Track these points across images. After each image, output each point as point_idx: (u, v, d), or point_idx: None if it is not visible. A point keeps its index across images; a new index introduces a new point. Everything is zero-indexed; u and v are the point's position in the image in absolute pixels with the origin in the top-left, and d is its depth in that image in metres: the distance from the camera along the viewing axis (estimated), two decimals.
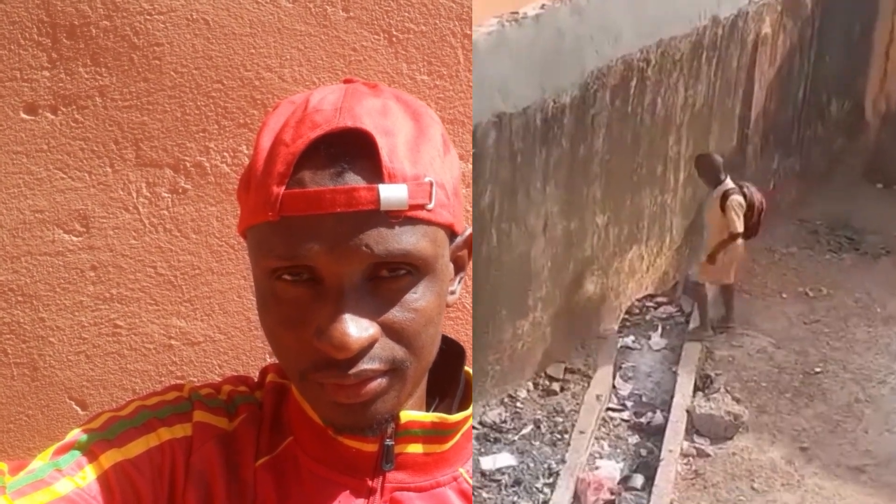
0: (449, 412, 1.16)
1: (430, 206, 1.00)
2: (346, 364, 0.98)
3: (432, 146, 1.04)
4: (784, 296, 5.14)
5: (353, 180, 0.96)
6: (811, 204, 5.86)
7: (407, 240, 0.98)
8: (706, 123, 4.88)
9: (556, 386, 4.30)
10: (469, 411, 1.16)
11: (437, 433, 1.13)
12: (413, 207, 0.98)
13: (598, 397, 4.23)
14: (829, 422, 4.23)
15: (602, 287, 4.60)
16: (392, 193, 0.97)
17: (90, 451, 1.07)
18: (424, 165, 1.01)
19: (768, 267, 5.39)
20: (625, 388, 4.44)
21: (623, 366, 4.59)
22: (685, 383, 4.35)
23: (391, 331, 1.01)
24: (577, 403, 4.21)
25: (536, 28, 3.76)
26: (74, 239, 1.80)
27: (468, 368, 1.22)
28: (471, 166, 1.82)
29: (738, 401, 4.26)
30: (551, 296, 4.27)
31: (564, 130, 4.00)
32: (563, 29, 3.88)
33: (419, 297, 1.02)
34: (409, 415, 1.11)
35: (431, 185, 1.00)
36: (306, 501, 1.10)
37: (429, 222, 1.01)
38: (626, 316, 4.86)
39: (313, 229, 0.96)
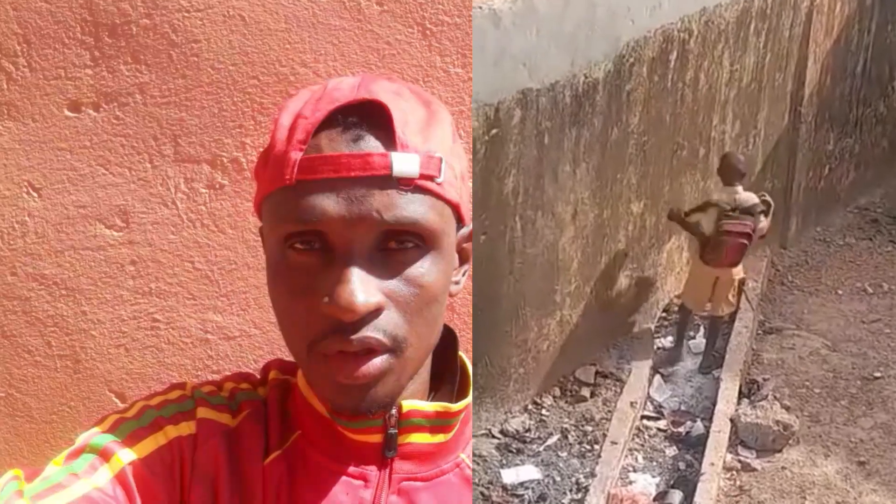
0: (449, 400, 1.26)
1: (439, 180, 1.12)
2: (351, 328, 1.08)
3: (442, 129, 1.16)
4: (840, 292, 5.13)
5: (368, 147, 1.08)
6: (871, 190, 5.87)
7: (416, 209, 1.09)
8: (754, 101, 4.83)
9: (585, 391, 4.31)
10: (469, 399, 1.27)
11: (440, 423, 1.23)
12: (423, 178, 1.10)
13: (631, 404, 4.21)
14: (890, 433, 4.16)
15: (637, 282, 4.56)
16: (404, 161, 1.08)
17: (102, 452, 1.17)
18: (435, 143, 1.13)
19: (822, 260, 5.39)
20: (662, 395, 4.43)
21: (660, 369, 4.56)
22: (729, 389, 4.31)
23: (396, 303, 1.10)
24: (609, 411, 4.20)
25: None
26: (115, 234, 1.95)
27: (462, 354, 1.31)
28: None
29: (787, 409, 4.23)
30: (581, 291, 4.25)
31: (596, 108, 3.94)
32: None
33: (425, 271, 1.12)
34: (411, 404, 1.21)
35: (441, 160, 1.12)
36: (316, 494, 1.20)
37: (437, 196, 1.12)
38: (664, 314, 4.82)
39: (327, 194, 1.07)
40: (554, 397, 4.25)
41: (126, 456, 1.17)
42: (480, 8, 3.43)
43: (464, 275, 1.26)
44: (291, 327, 1.15)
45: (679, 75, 4.29)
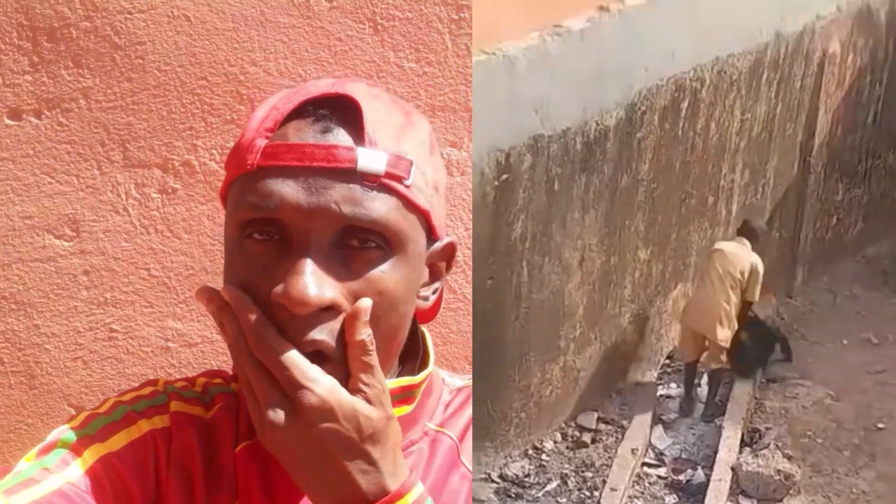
0: (412, 373, 1.24)
1: (407, 182, 1.09)
2: (303, 325, 1.04)
3: (417, 137, 1.14)
4: (845, 342, 5.11)
5: (336, 139, 1.07)
6: (878, 241, 5.83)
7: (378, 207, 1.06)
8: (764, 150, 4.85)
9: (586, 437, 4.30)
10: (429, 370, 1.24)
11: (403, 396, 1.21)
12: (389, 177, 1.07)
13: (633, 451, 4.20)
14: (893, 484, 4.14)
15: (642, 329, 4.57)
16: (370, 157, 1.06)
17: (74, 447, 1.16)
18: (407, 147, 1.10)
19: (828, 310, 5.36)
20: (663, 442, 4.41)
21: (662, 417, 4.55)
22: (731, 437, 4.30)
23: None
24: (610, 457, 4.19)
25: (581, 43, 3.72)
26: (65, 244, 1.90)
27: (422, 328, 1.29)
28: (465, 154, 1.90)
29: (789, 458, 4.21)
30: (585, 337, 4.24)
31: (607, 155, 3.97)
32: (611, 44, 3.84)
33: (386, 276, 1.08)
34: None
35: (411, 163, 1.10)
36: (289, 482, 1.15)
37: (404, 198, 1.09)
38: (668, 361, 4.82)
39: (287, 181, 1.05)
40: (555, 442, 4.24)
41: (98, 450, 1.16)
42: (495, 53, 3.46)
43: (434, 292, 1.21)
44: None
45: (690, 124, 4.30)
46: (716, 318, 4.33)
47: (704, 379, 4.68)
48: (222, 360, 1.92)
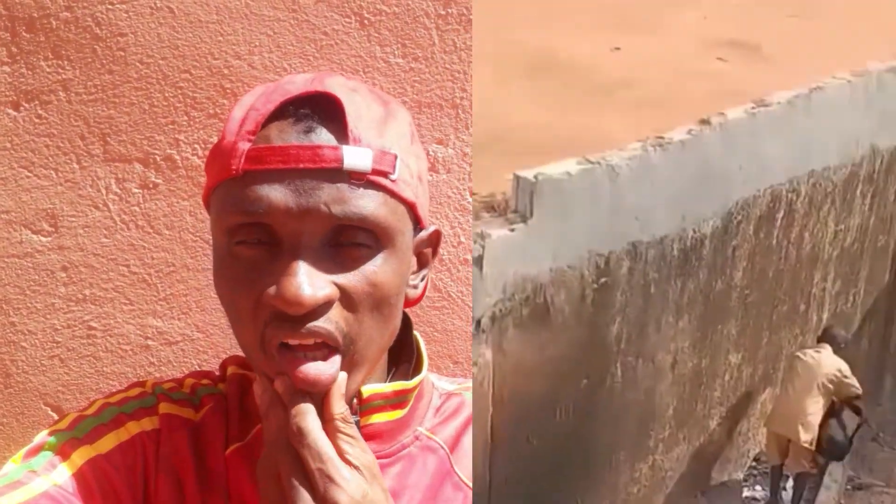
0: (405, 378, 1.25)
1: (393, 177, 1.10)
2: (300, 320, 1.06)
3: (399, 128, 1.14)
4: None
5: (319, 139, 1.07)
6: None
7: (366, 204, 1.07)
8: (857, 260, 4.86)
9: None
10: (423, 374, 1.26)
11: (397, 400, 1.22)
12: (376, 173, 1.08)
13: None
14: None
15: (730, 431, 4.57)
16: (355, 155, 1.07)
17: (61, 450, 1.16)
18: (390, 140, 1.11)
19: None
20: None
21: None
22: None
23: (347, 299, 1.08)
24: None
25: (682, 154, 3.81)
26: (43, 239, 1.86)
27: (416, 333, 1.31)
28: (451, 151, 1.84)
29: None
30: (674, 438, 4.25)
31: (703, 262, 4.02)
32: (711, 156, 3.92)
33: (377, 269, 1.09)
34: (371, 389, 1.19)
35: (396, 157, 1.10)
36: None
37: (391, 193, 1.10)
38: (754, 463, 4.81)
39: (275, 185, 1.06)
40: None
41: (86, 452, 1.16)
42: (599, 163, 3.57)
43: (422, 280, 1.23)
44: (238, 322, 1.13)
45: (784, 233, 4.35)
46: (798, 422, 4.38)
47: (790, 482, 4.66)
48: (202, 358, 1.91)
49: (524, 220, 3.39)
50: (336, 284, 1.07)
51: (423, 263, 1.23)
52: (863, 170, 4.64)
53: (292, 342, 1.07)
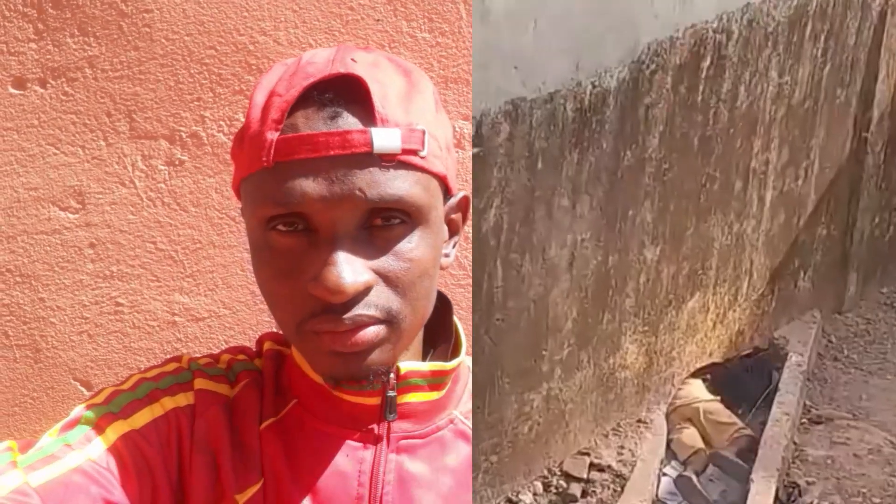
0: (444, 360, 1.61)
1: (423, 153, 1.39)
2: (342, 309, 1.36)
3: (423, 100, 1.43)
4: None
5: (347, 124, 1.34)
6: None
7: (400, 185, 1.36)
8: (807, 123, 4.88)
9: (575, 488, 4.30)
10: (461, 357, 1.61)
11: (435, 381, 1.57)
12: (406, 152, 1.36)
13: None
14: None
15: (648, 349, 4.60)
16: (385, 137, 1.35)
17: (97, 424, 1.47)
18: (416, 115, 1.40)
19: (888, 330, 5.38)
20: (675, 499, 4.44)
21: (674, 464, 4.60)
22: (762, 493, 4.31)
23: (386, 279, 1.39)
24: None
25: None
26: (71, 216, 2.37)
27: (455, 318, 1.66)
28: (471, 127, 2.37)
29: None
30: (575, 359, 4.27)
31: (606, 126, 4.02)
32: None
33: (413, 246, 1.40)
34: (408, 366, 1.54)
35: (424, 133, 1.39)
36: (314, 457, 1.53)
37: (422, 170, 1.39)
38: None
39: (307, 174, 1.33)
40: (534, 495, 4.23)
41: (121, 427, 1.47)
42: None
43: (454, 247, 1.57)
44: (279, 308, 1.43)
45: (713, 88, 4.36)
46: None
47: None
48: (229, 334, 2.42)
49: None
50: (374, 269, 1.37)
51: (453, 231, 1.58)
52: (813, 3, 4.66)
53: (339, 330, 1.37)
